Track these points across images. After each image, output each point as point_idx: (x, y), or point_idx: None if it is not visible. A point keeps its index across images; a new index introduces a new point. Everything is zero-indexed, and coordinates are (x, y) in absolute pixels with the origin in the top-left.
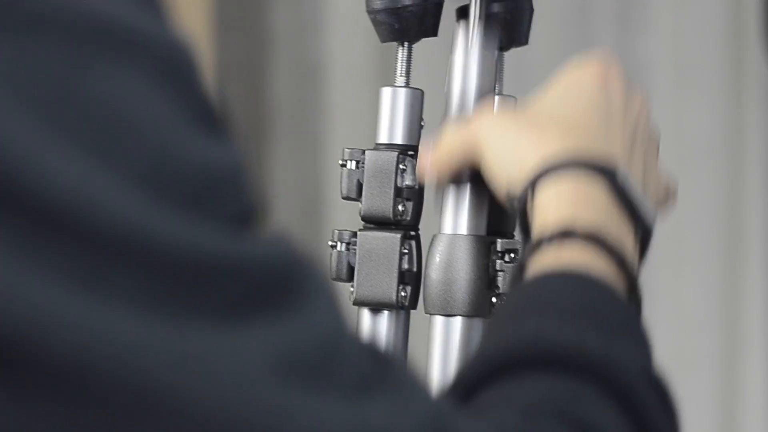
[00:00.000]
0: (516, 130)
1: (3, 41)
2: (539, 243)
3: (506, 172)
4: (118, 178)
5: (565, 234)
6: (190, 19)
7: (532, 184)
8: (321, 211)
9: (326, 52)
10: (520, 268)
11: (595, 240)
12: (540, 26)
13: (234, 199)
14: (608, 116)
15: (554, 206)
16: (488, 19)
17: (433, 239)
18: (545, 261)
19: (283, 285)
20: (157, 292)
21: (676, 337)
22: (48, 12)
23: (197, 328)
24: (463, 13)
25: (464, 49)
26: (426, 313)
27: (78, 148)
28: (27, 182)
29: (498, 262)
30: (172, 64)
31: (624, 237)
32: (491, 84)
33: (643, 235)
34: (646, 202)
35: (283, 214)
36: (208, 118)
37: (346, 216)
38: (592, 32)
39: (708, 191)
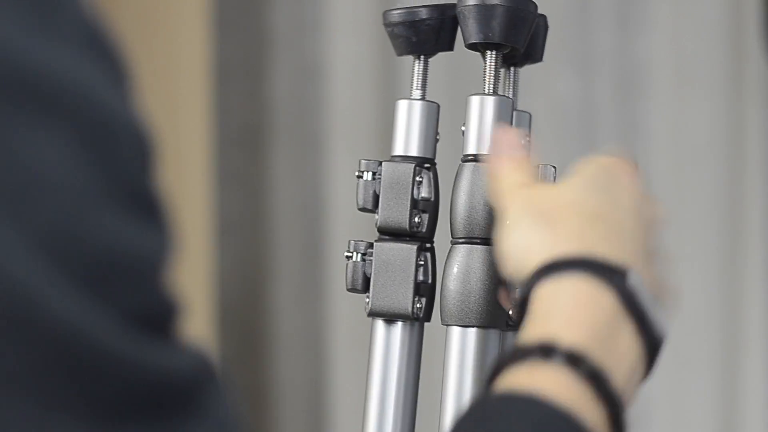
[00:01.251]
0: (530, 221)
1: None
2: (521, 354)
3: (514, 262)
4: (17, 237)
5: (546, 352)
6: (190, 19)
7: (534, 282)
8: (319, 210)
9: (326, 52)
10: (496, 369)
11: (576, 362)
12: None
13: (142, 292)
14: (624, 215)
15: (545, 313)
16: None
17: (450, 250)
18: (518, 378)
19: (185, 399)
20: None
21: (676, 337)
22: None
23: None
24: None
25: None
26: (442, 324)
27: None
28: None
29: None
30: (108, 137)
31: (621, 350)
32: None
33: (652, 346)
34: (657, 310)
35: (282, 214)
36: (139, 202)
37: (345, 217)
38: (592, 32)
39: (708, 191)
